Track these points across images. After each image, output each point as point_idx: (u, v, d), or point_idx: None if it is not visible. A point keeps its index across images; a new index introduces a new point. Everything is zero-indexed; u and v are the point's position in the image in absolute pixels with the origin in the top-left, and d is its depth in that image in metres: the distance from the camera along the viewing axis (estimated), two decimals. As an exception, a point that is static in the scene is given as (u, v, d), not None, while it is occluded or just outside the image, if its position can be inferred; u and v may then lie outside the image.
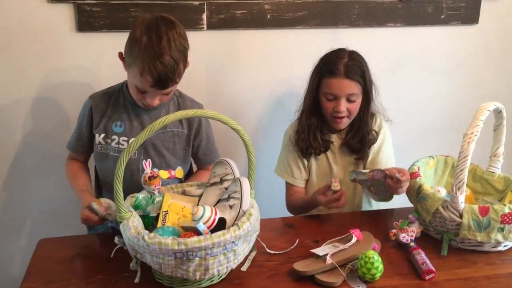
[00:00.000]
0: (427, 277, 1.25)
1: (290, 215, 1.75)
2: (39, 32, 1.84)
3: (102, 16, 1.84)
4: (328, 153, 1.73)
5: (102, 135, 1.62)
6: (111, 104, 1.64)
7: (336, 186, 1.50)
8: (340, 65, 1.61)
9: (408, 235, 1.38)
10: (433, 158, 1.64)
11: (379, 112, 1.74)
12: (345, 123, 1.68)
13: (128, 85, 1.58)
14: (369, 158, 1.71)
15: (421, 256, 1.30)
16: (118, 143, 1.61)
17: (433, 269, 1.26)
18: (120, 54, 1.54)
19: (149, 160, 1.36)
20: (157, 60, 1.42)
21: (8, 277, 2.10)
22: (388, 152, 1.74)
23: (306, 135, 1.70)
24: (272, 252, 1.37)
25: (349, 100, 1.63)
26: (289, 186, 1.76)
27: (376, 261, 1.22)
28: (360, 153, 1.71)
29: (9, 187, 2.01)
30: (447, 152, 1.68)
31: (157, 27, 1.46)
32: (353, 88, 1.62)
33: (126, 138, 1.61)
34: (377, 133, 1.71)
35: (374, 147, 1.72)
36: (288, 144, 1.74)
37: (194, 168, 1.81)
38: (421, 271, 1.26)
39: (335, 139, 1.73)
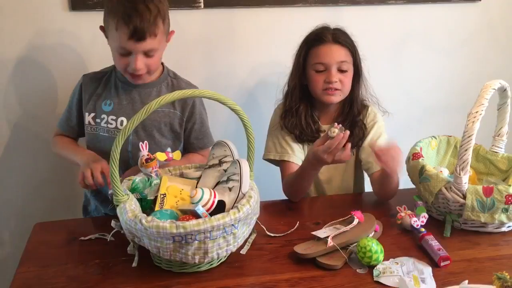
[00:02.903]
0: (442, 264, 1.22)
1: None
2: (32, 11, 1.80)
3: (95, -5, 1.79)
4: None
5: (92, 114, 1.60)
6: (102, 84, 1.61)
7: (333, 132, 1.32)
8: (327, 33, 1.57)
9: (419, 220, 1.35)
10: (436, 138, 1.61)
11: (374, 103, 1.67)
12: (337, 97, 1.58)
13: (112, 56, 1.52)
14: (364, 150, 1.61)
15: (436, 242, 1.27)
16: (107, 122, 1.58)
17: (449, 255, 1.23)
18: (101, 27, 1.51)
19: (145, 142, 1.33)
20: (130, 8, 1.40)
21: (1, 261, 2.08)
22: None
23: (296, 120, 1.62)
24: (272, 234, 1.35)
25: (340, 70, 1.55)
26: (284, 166, 1.63)
27: (372, 247, 1.19)
28: (351, 138, 1.59)
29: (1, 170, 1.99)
30: (451, 132, 1.65)
31: None
32: (344, 55, 1.56)
33: (114, 117, 1.58)
34: (366, 126, 1.62)
35: (368, 139, 1.62)
36: (276, 127, 1.66)
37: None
38: (437, 257, 1.22)
39: (327, 128, 1.63)
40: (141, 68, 1.49)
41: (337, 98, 1.59)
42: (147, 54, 1.48)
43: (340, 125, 1.36)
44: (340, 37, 1.56)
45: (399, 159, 1.38)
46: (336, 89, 1.57)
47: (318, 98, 1.61)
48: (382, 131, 1.64)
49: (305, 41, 1.62)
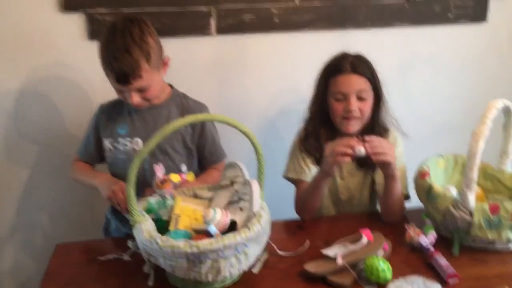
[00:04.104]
0: (450, 281, 1.24)
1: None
2: (52, 41, 1.89)
3: (113, 25, 1.87)
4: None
5: (110, 139, 1.67)
6: (116, 110, 1.69)
7: (359, 151, 1.40)
8: (345, 62, 1.60)
9: (428, 238, 1.37)
10: (443, 157, 1.64)
11: (393, 125, 1.69)
12: (356, 125, 1.61)
13: None
14: (379, 172, 1.61)
15: (444, 260, 1.30)
16: (124, 144, 1.66)
17: (457, 273, 1.25)
18: None
19: (160, 164, 1.39)
20: (112, 56, 1.47)
21: (24, 281, 2.15)
22: (398, 169, 1.57)
23: (317, 143, 1.66)
24: (283, 253, 1.38)
25: (359, 98, 1.58)
26: (300, 186, 1.68)
27: (379, 266, 1.22)
28: (365, 167, 1.64)
29: (24, 191, 2.07)
30: (458, 151, 1.67)
31: (115, 26, 1.50)
32: (362, 83, 1.58)
33: (129, 139, 1.65)
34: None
35: None
36: (297, 148, 1.71)
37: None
38: (445, 275, 1.25)
39: None
40: (137, 102, 1.56)
41: (355, 127, 1.62)
42: (140, 90, 1.54)
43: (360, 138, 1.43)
44: (358, 66, 1.59)
45: (385, 146, 1.44)
46: (356, 117, 1.60)
47: (337, 127, 1.65)
48: (400, 155, 1.64)
49: (325, 69, 1.66)
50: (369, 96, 1.61)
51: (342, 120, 1.62)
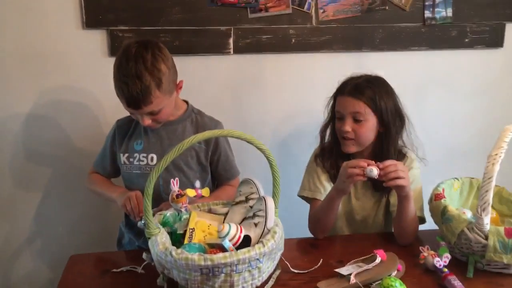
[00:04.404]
0: None
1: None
2: (74, 57, 1.95)
3: (134, 42, 1.92)
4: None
5: (126, 154, 1.70)
6: (133, 126, 1.71)
7: (370, 171, 1.41)
8: (348, 84, 1.62)
9: (442, 260, 1.36)
10: (458, 180, 1.64)
11: (412, 150, 1.69)
12: (351, 146, 1.62)
13: None
14: (394, 193, 1.60)
15: (458, 282, 1.29)
16: (139, 160, 1.68)
17: None
18: None
19: (176, 178, 1.40)
20: (124, 82, 1.47)
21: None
22: (413, 192, 1.56)
23: (332, 160, 1.68)
24: (296, 271, 1.38)
25: (355, 120, 1.59)
26: (314, 204, 1.67)
27: (396, 287, 1.21)
28: (380, 189, 1.64)
29: (40, 204, 2.10)
30: (474, 174, 1.67)
31: (128, 50, 1.50)
32: (358, 106, 1.58)
33: (145, 154, 1.67)
34: None
35: None
36: (313, 166, 1.73)
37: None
38: None
39: None
40: (149, 124, 1.58)
41: (350, 148, 1.63)
42: (152, 113, 1.56)
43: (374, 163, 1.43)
44: (358, 89, 1.59)
45: (400, 170, 1.42)
46: (350, 139, 1.61)
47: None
48: (415, 178, 1.64)
49: (336, 88, 1.69)
50: (368, 119, 1.59)
51: (340, 139, 1.65)
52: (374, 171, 1.41)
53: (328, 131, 1.74)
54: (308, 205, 1.71)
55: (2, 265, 2.12)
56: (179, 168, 1.67)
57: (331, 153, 1.70)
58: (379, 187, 1.62)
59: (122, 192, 1.62)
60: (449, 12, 2.11)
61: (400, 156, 1.68)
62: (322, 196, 1.66)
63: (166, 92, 1.53)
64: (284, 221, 1.34)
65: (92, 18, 1.90)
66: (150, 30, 1.93)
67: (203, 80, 2.04)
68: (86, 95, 1.99)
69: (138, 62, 1.47)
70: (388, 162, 1.44)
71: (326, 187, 1.68)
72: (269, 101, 2.13)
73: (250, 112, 2.13)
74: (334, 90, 1.70)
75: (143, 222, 1.24)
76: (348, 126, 1.59)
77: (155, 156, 1.67)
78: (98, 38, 1.93)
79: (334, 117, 1.69)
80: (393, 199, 1.63)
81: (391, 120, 1.62)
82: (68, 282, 1.37)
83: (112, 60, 1.82)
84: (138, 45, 1.51)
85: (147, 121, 1.56)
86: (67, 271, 1.42)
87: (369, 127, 1.61)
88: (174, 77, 1.58)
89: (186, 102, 1.75)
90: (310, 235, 1.64)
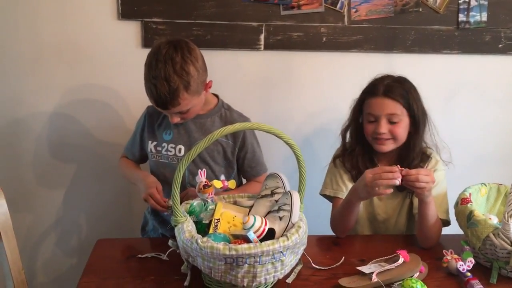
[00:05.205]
0: None
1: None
2: (108, 47, 1.99)
3: (167, 34, 1.95)
4: None
5: (154, 142, 1.73)
6: (163, 115, 1.73)
7: None
8: (380, 85, 1.61)
9: (466, 264, 1.36)
10: (486, 186, 1.62)
11: (436, 152, 1.68)
12: (388, 146, 1.62)
13: None
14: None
15: (481, 287, 1.28)
16: (167, 150, 1.71)
17: None
18: None
19: (204, 169, 1.43)
20: (153, 83, 1.50)
21: (64, 273, 2.22)
22: (438, 194, 1.60)
23: (354, 161, 1.68)
24: (317, 267, 1.40)
25: (391, 121, 1.59)
26: (336, 203, 1.68)
27: None
28: (403, 189, 1.63)
29: (69, 190, 2.15)
30: (501, 181, 1.65)
31: (159, 51, 1.51)
32: (394, 108, 1.58)
33: (173, 145, 1.70)
34: None
35: None
36: (335, 165, 1.73)
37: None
38: None
39: None
40: (177, 122, 1.62)
41: (388, 147, 1.63)
42: (180, 112, 1.59)
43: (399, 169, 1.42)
44: (392, 90, 1.59)
45: (422, 178, 1.41)
46: (387, 139, 1.61)
47: (371, 145, 1.67)
48: (440, 180, 1.63)
49: (363, 90, 1.68)
50: (402, 120, 1.60)
51: (372, 140, 1.64)
52: (397, 182, 1.42)
53: (348, 133, 1.74)
54: (329, 204, 1.72)
55: (27, 251, 2.17)
56: (205, 162, 1.70)
57: (352, 154, 1.70)
58: (402, 187, 1.61)
59: (143, 178, 1.64)
60: (484, 17, 2.08)
61: (424, 157, 1.67)
62: (344, 195, 1.66)
63: (194, 93, 1.55)
64: (306, 217, 1.34)
65: (127, 9, 1.93)
66: (183, 23, 1.96)
67: (233, 75, 2.06)
68: (117, 84, 2.03)
69: (168, 64, 1.49)
70: (412, 171, 1.43)
71: (348, 186, 1.68)
72: (296, 98, 2.14)
73: (276, 108, 2.14)
74: (360, 91, 1.70)
75: (170, 208, 1.27)
76: (385, 128, 1.59)
77: (183, 148, 1.69)
78: (132, 29, 1.97)
79: (357, 119, 1.69)
80: (416, 201, 1.62)
81: (421, 119, 1.62)
82: (95, 265, 1.40)
83: (144, 51, 1.86)
84: (168, 46, 1.52)
85: (176, 119, 1.60)
86: (94, 255, 1.46)
87: (404, 127, 1.62)
88: (203, 78, 1.58)
89: (217, 96, 1.77)
90: (329, 233, 1.65)
